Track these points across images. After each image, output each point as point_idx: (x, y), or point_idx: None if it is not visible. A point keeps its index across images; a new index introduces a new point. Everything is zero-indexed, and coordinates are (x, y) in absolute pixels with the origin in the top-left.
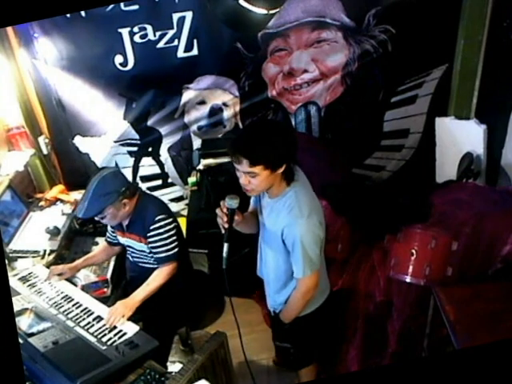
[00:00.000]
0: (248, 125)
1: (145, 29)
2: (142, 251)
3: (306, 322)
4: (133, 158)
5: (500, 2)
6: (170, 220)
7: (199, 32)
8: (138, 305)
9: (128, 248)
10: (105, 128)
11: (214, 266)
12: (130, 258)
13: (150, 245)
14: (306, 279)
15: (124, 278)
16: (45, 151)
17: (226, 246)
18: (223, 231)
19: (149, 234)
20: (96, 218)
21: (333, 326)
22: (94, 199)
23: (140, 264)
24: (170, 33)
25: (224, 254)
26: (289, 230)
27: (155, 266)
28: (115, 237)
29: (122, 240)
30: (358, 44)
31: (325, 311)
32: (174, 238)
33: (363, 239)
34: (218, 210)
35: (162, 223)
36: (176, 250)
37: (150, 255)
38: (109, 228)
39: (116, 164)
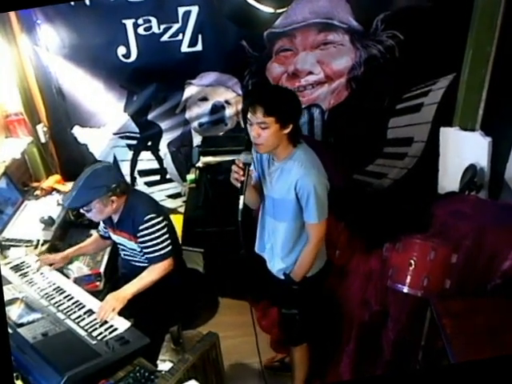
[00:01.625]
0: (261, 83)
1: (149, 21)
2: (132, 249)
3: (312, 281)
4: (131, 152)
5: (510, 14)
6: (160, 219)
7: (204, 27)
8: (129, 297)
9: (119, 246)
10: (104, 119)
11: (209, 265)
12: (122, 255)
13: (141, 245)
14: (319, 226)
15: (117, 273)
16: (43, 140)
17: (241, 198)
18: (239, 185)
19: (139, 234)
20: (81, 211)
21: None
22: (83, 191)
23: (131, 262)
24: (175, 27)
25: (240, 206)
26: (303, 181)
27: (146, 264)
28: (106, 230)
29: (113, 237)
30: (364, 48)
31: (326, 274)
32: (166, 236)
33: (362, 246)
34: (233, 166)
35: (152, 222)
36: (169, 248)
37: (141, 254)
38: (101, 222)
39: (114, 156)
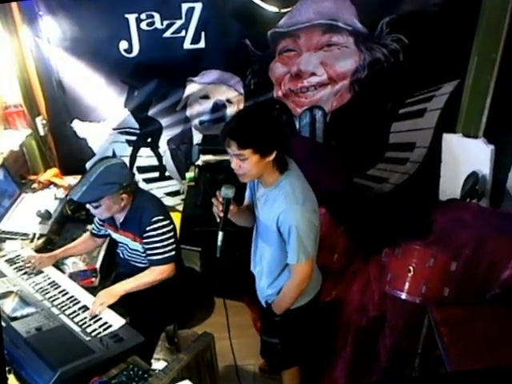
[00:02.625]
0: (239, 111)
1: (152, 16)
2: (135, 250)
3: (296, 315)
4: (131, 148)
5: None
6: (168, 222)
7: (208, 25)
8: (121, 294)
9: (121, 245)
10: (104, 114)
11: (207, 264)
12: (121, 254)
13: (146, 246)
14: (301, 266)
15: (113, 271)
16: (42, 132)
17: (220, 234)
18: (218, 220)
19: (145, 235)
20: (88, 206)
21: (321, 329)
22: (94, 186)
23: (131, 262)
24: (178, 23)
25: (218, 243)
26: (284, 216)
27: (146, 265)
28: (102, 229)
29: (114, 235)
30: (369, 51)
31: (315, 306)
32: (171, 240)
33: (360, 251)
34: (213, 199)
35: (160, 224)
36: (172, 252)
37: (144, 255)
38: (95, 221)
39: (113, 152)
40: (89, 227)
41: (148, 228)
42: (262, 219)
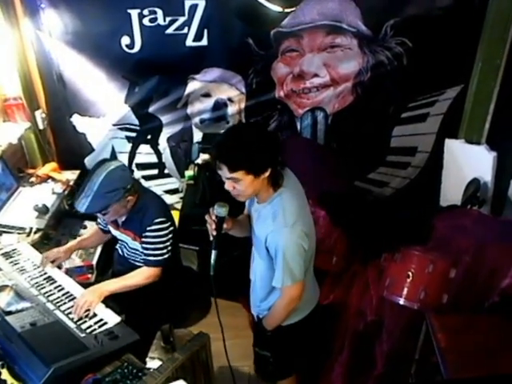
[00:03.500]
0: (227, 130)
1: (155, 12)
2: (134, 249)
3: (288, 331)
4: (130, 144)
5: None
6: (168, 224)
7: (210, 22)
8: (106, 294)
9: (121, 242)
10: (104, 109)
11: (204, 264)
12: (120, 252)
13: (143, 245)
14: (288, 289)
15: (110, 267)
16: (41, 126)
17: (213, 253)
18: (211, 238)
19: (144, 235)
20: (97, 215)
21: (317, 340)
22: (99, 195)
23: (129, 260)
24: (181, 20)
25: (212, 261)
26: (272, 238)
27: (143, 265)
28: (106, 224)
29: (115, 232)
30: (372, 54)
31: (309, 323)
32: (168, 243)
33: (359, 254)
34: (206, 217)
35: (160, 226)
36: (166, 256)
37: (142, 254)
38: (99, 215)
39: (112, 148)
40: (86, 223)
41: (148, 228)
42: (255, 233)
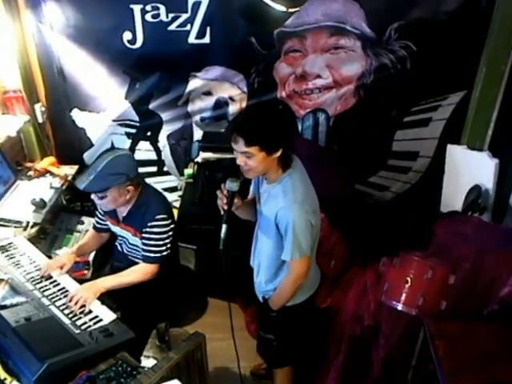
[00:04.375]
0: (248, 106)
1: (158, 8)
2: (134, 245)
3: (292, 312)
4: (130, 140)
5: None
6: (170, 221)
7: (213, 20)
8: (103, 291)
9: (120, 239)
10: (104, 105)
11: (201, 263)
12: (119, 248)
13: (143, 240)
14: (296, 263)
15: (106, 264)
16: (40, 119)
17: (224, 227)
18: (222, 212)
19: (144, 230)
20: (93, 197)
21: (316, 334)
22: (101, 176)
23: (128, 256)
24: (184, 16)
25: (222, 235)
26: (282, 213)
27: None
28: (104, 224)
29: (114, 228)
30: (376, 56)
31: (312, 305)
32: (168, 241)
33: (358, 259)
34: (218, 192)
35: (161, 223)
36: (164, 253)
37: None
38: (97, 214)
39: (112, 143)
40: (83, 219)
41: (149, 224)
42: (263, 214)
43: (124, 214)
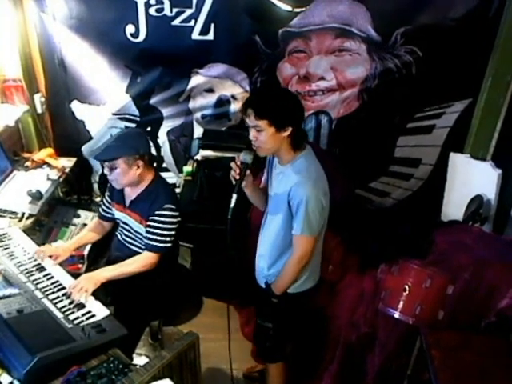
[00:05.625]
0: (262, 84)
1: (162, 2)
2: (138, 233)
3: (293, 300)
4: None
5: None
6: (177, 213)
7: (218, 17)
8: (102, 281)
9: (122, 225)
10: (105, 98)
11: (197, 262)
12: (119, 237)
13: (148, 228)
14: (303, 240)
15: (101, 258)
16: (39, 110)
17: (234, 196)
18: (234, 183)
19: (151, 218)
20: (105, 171)
21: (311, 338)
22: (112, 146)
23: (129, 246)
24: (188, 12)
25: (231, 205)
26: (296, 189)
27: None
28: (110, 211)
29: (119, 215)
30: (381, 60)
31: (312, 298)
32: (172, 232)
33: (356, 264)
34: (232, 163)
35: (169, 213)
36: (167, 244)
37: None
38: (103, 201)
39: (111, 137)
40: (80, 212)
41: (157, 212)
42: (276, 194)
43: (132, 198)
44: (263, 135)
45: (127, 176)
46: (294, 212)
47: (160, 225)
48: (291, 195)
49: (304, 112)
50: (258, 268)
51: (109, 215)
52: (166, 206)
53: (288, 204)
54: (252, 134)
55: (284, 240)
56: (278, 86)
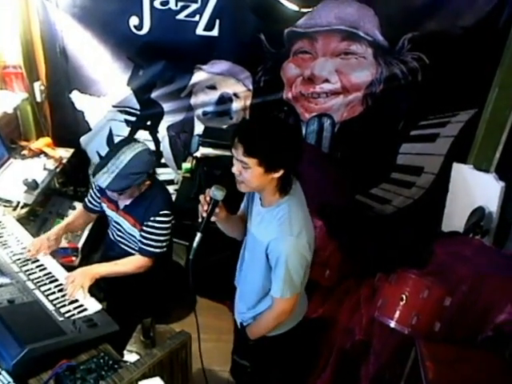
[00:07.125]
0: (259, 115)
1: None
2: (131, 235)
3: (271, 343)
4: (129, 128)
5: None
6: (171, 218)
7: (223, 13)
8: (97, 277)
9: (114, 224)
10: (105, 89)
11: (193, 260)
12: (111, 236)
13: (142, 233)
14: (284, 301)
15: (95, 252)
16: (38, 98)
17: (198, 235)
18: (200, 220)
19: (146, 223)
20: (109, 194)
21: (298, 355)
22: (123, 176)
23: (122, 245)
24: (193, 6)
25: (194, 244)
26: (275, 244)
27: (136, 252)
28: (97, 204)
29: (110, 213)
30: (387, 65)
31: (293, 337)
32: (167, 237)
33: (353, 271)
34: (201, 197)
35: (164, 219)
36: (162, 249)
37: (138, 241)
38: (91, 193)
39: (110, 130)
40: (75, 204)
41: (152, 218)
42: (253, 235)
43: (127, 203)
44: (249, 173)
45: (132, 195)
46: (272, 266)
47: (155, 230)
48: (269, 249)
49: (302, 152)
50: (236, 305)
51: (96, 208)
52: (162, 212)
53: (266, 256)
54: (236, 167)
55: (263, 289)
56: (276, 119)
